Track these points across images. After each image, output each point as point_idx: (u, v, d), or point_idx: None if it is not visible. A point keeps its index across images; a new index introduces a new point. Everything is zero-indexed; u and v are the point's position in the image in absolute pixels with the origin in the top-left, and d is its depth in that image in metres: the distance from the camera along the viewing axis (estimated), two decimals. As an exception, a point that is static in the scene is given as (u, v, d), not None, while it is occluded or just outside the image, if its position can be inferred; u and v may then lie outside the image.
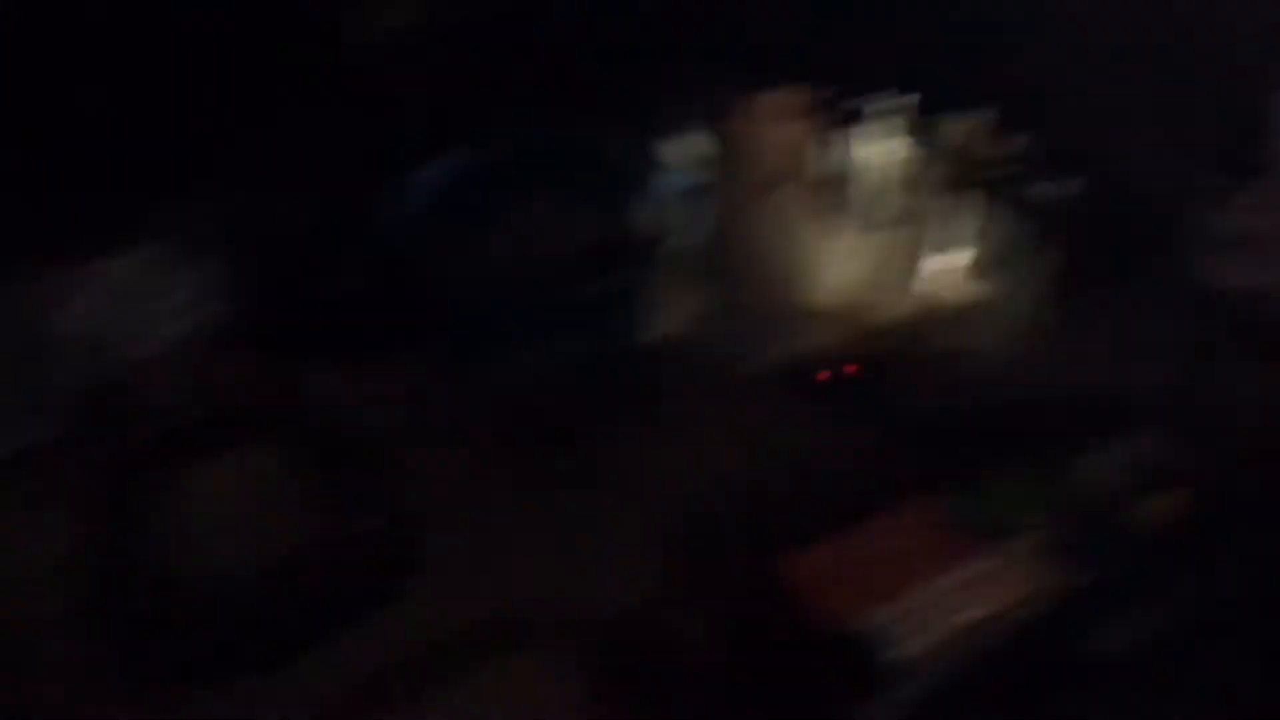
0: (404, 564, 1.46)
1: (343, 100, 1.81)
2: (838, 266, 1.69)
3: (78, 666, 1.36)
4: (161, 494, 1.51)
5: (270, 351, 1.72)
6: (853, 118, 1.41)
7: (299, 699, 1.33)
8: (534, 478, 1.56)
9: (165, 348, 1.65)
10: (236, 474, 1.56)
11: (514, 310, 1.57)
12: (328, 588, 1.44)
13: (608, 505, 1.52)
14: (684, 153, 1.70)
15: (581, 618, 1.39)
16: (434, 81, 1.76)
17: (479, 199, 1.68)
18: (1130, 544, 0.90)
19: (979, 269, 1.53)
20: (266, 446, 1.58)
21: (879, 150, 1.43)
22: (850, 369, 1.63)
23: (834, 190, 1.48)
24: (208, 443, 1.59)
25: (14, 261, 1.71)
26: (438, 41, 1.75)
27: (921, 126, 1.34)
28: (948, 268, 1.60)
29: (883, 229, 1.53)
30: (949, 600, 1.18)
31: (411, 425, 1.61)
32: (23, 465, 1.55)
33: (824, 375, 1.64)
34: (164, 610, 1.41)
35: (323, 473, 1.55)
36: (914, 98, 1.33)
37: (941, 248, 1.60)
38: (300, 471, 1.55)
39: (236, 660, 1.38)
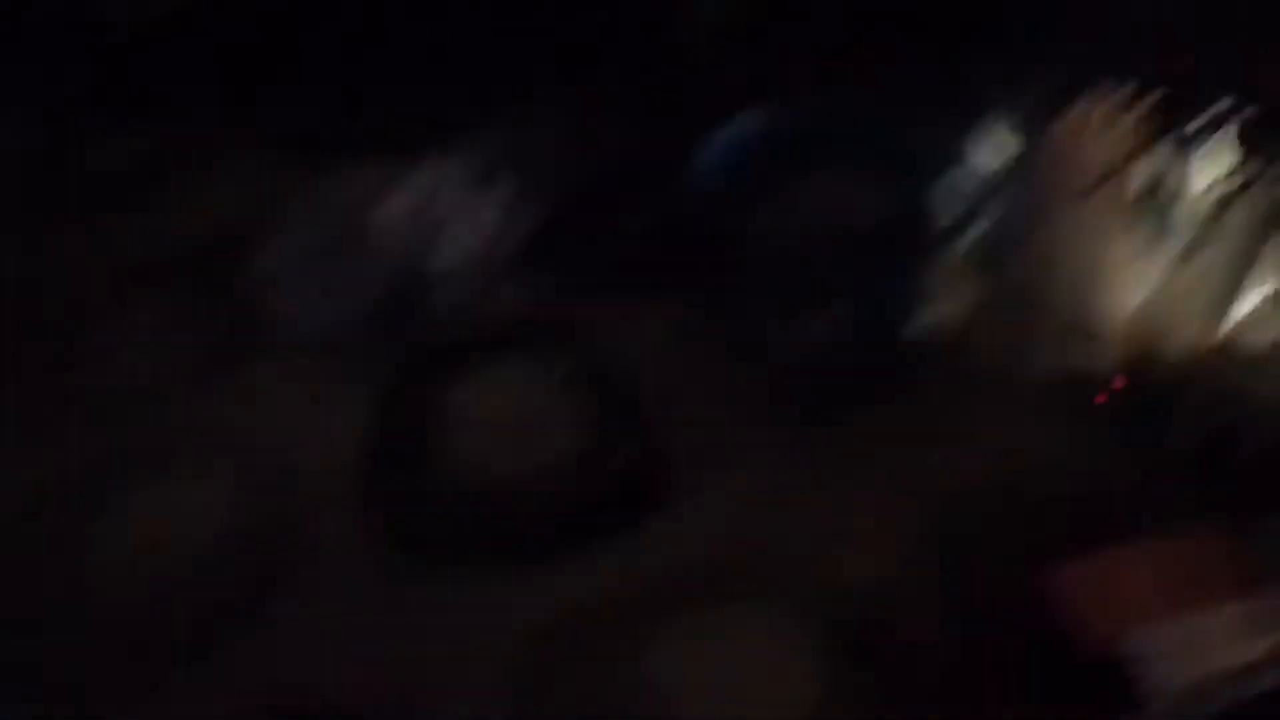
0: (654, 496, 1.51)
1: (665, 52, 1.87)
2: (1139, 286, 1.64)
3: (358, 537, 1.48)
4: (443, 395, 1.63)
5: (558, 277, 1.79)
6: (1187, 131, 1.35)
7: (541, 601, 1.40)
8: (796, 440, 1.58)
9: (464, 257, 1.74)
10: (511, 387, 1.66)
11: (798, 272, 1.59)
12: (579, 504, 1.51)
13: (863, 481, 1.53)
14: (993, 147, 1.68)
15: (821, 583, 1.41)
16: (751, 46, 1.79)
17: (780, 161, 1.70)
18: None
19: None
20: (542, 365, 1.67)
21: (1210, 167, 1.36)
22: (1119, 383, 1.57)
23: (1153, 204, 1.42)
24: (489, 354, 1.69)
25: (339, 155, 1.85)
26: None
27: (1262, 142, 1.26)
28: (1261, 304, 1.52)
29: (1198, 252, 1.46)
30: (1225, 634, 1.13)
31: (683, 367, 1.66)
32: (330, 346, 1.68)
33: (1102, 398, 1.60)
34: (435, 498, 1.52)
35: (589, 399, 1.63)
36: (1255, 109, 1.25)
37: (1247, 280, 1.53)
38: (568, 394, 1.63)
39: (491, 551, 1.47)
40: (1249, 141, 1.30)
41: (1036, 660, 1.26)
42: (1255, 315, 1.53)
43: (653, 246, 1.78)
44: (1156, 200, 1.43)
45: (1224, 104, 1.32)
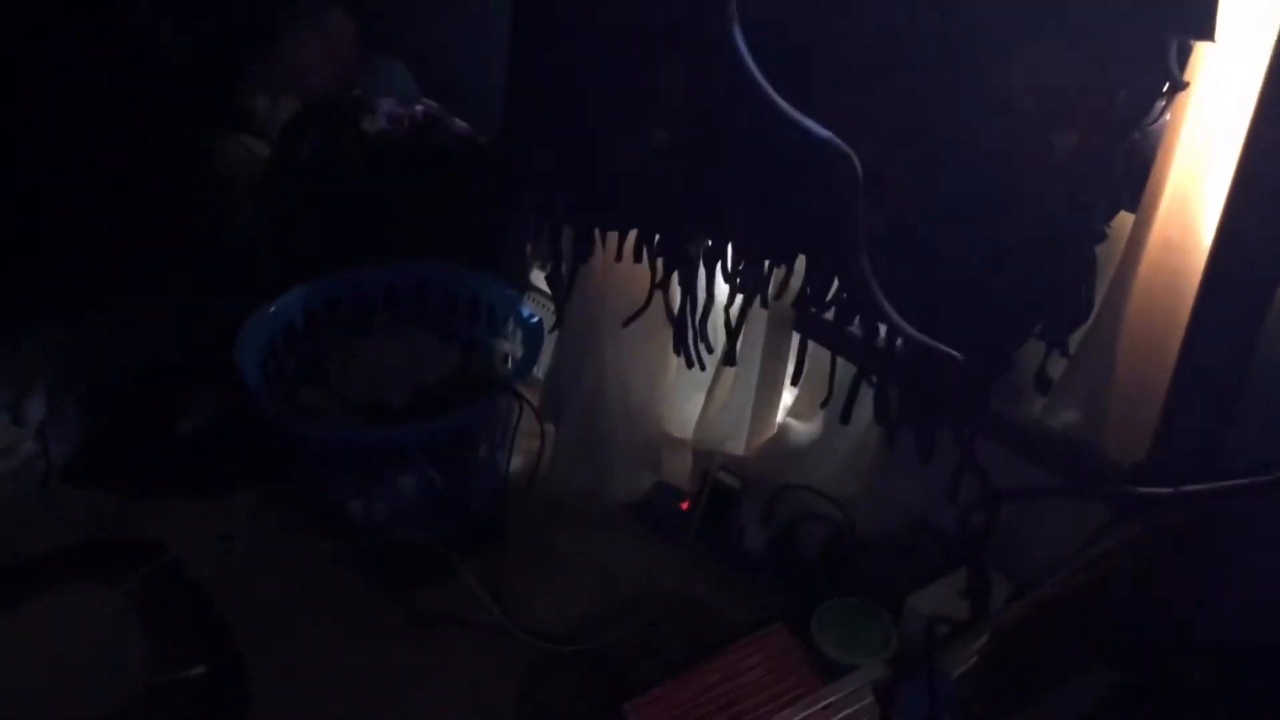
0: (232, 714, 1.40)
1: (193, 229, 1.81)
2: (687, 400, 1.72)
3: None
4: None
5: (115, 490, 1.67)
6: (693, 259, 1.44)
7: None
8: (383, 621, 1.52)
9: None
10: (66, 621, 1.49)
11: (362, 444, 1.55)
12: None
13: (456, 645, 1.49)
14: (533, 289, 1.73)
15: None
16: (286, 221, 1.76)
17: (327, 333, 1.67)
18: (934, 690, 0.91)
19: (812, 405, 1.57)
20: (98, 587, 1.52)
21: (721, 290, 1.46)
22: (684, 505, 1.64)
23: (679, 328, 1.51)
24: (41, 584, 1.53)
25: None
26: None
27: (750, 269, 1.38)
28: (791, 404, 1.64)
29: (728, 365, 1.56)
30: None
31: (258, 563, 1.57)
32: None
33: (685, 505, 1.65)
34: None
35: (155, 619, 1.50)
36: (746, 241, 1.36)
37: (780, 385, 1.64)
38: (132, 618, 1.49)
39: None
40: (743, 268, 1.40)
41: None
42: (791, 415, 1.64)
43: (211, 442, 1.69)
44: (689, 319, 1.50)
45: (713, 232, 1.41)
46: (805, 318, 1.43)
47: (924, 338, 1.14)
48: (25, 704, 1.39)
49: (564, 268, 1.57)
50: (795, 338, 1.52)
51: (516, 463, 1.71)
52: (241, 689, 1.42)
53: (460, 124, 1.79)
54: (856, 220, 1.11)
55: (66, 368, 1.78)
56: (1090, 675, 1.08)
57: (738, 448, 1.66)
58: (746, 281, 1.39)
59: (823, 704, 1.24)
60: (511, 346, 1.70)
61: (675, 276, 1.48)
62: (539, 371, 1.69)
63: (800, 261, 1.38)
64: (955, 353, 1.14)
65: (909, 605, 1.33)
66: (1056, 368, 1.27)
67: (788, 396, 1.63)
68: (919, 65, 1.12)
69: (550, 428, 1.69)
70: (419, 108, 1.78)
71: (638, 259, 1.47)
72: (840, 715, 1.22)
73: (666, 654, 1.41)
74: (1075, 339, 1.24)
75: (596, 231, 1.48)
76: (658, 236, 1.44)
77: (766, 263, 1.39)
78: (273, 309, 1.63)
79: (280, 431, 1.57)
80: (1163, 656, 1.10)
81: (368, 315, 1.69)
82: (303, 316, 1.66)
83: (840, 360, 1.44)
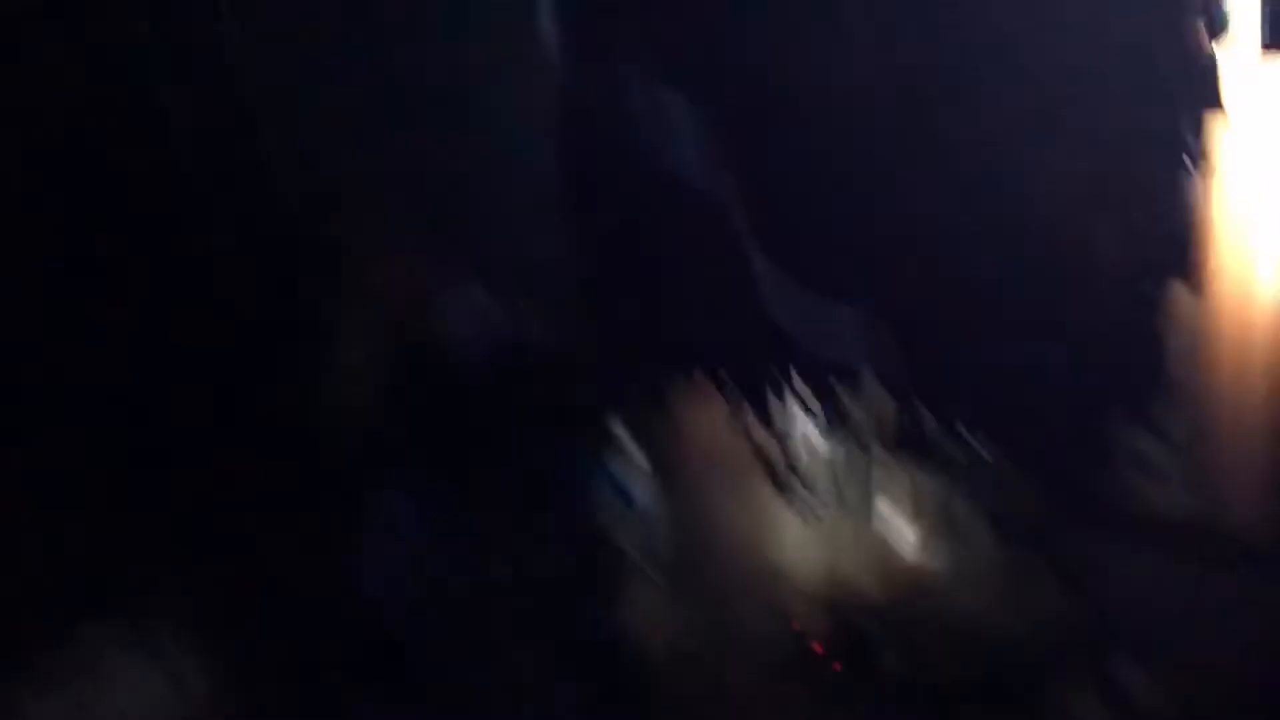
0: None
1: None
2: (802, 545, 1.71)
3: None
4: None
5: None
6: (769, 399, 1.45)
7: None
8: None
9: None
10: None
11: (508, 654, 1.57)
12: None
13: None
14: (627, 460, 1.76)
15: None
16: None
17: (448, 540, 1.71)
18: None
19: (931, 534, 1.55)
20: None
21: (813, 429, 1.47)
22: (817, 647, 1.62)
23: (782, 471, 1.51)
24: None
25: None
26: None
27: (843, 405, 1.39)
28: (906, 538, 1.61)
29: (837, 505, 1.55)
30: None
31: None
32: None
33: (818, 647, 1.63)
34: None
35: None
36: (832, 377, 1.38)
37: (893, 518, 1.62)
38: None
39: None
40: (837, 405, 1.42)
41: None
42: (907, 548, 1.61)
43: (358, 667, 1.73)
44: (791, 468, 1.51)
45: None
46: (905, 445, 1.43)
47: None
48: None
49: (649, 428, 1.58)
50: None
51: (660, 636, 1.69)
52: None
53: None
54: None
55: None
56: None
57: (867, 585, 1.64)
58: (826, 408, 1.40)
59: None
60: (632, 531, 1.69)
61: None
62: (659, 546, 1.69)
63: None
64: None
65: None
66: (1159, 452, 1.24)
67: (911, 530, 1.61)
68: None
69: (679, 595, 1.69)
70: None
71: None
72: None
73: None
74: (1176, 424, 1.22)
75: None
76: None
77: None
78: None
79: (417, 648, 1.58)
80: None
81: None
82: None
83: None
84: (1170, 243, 1.10)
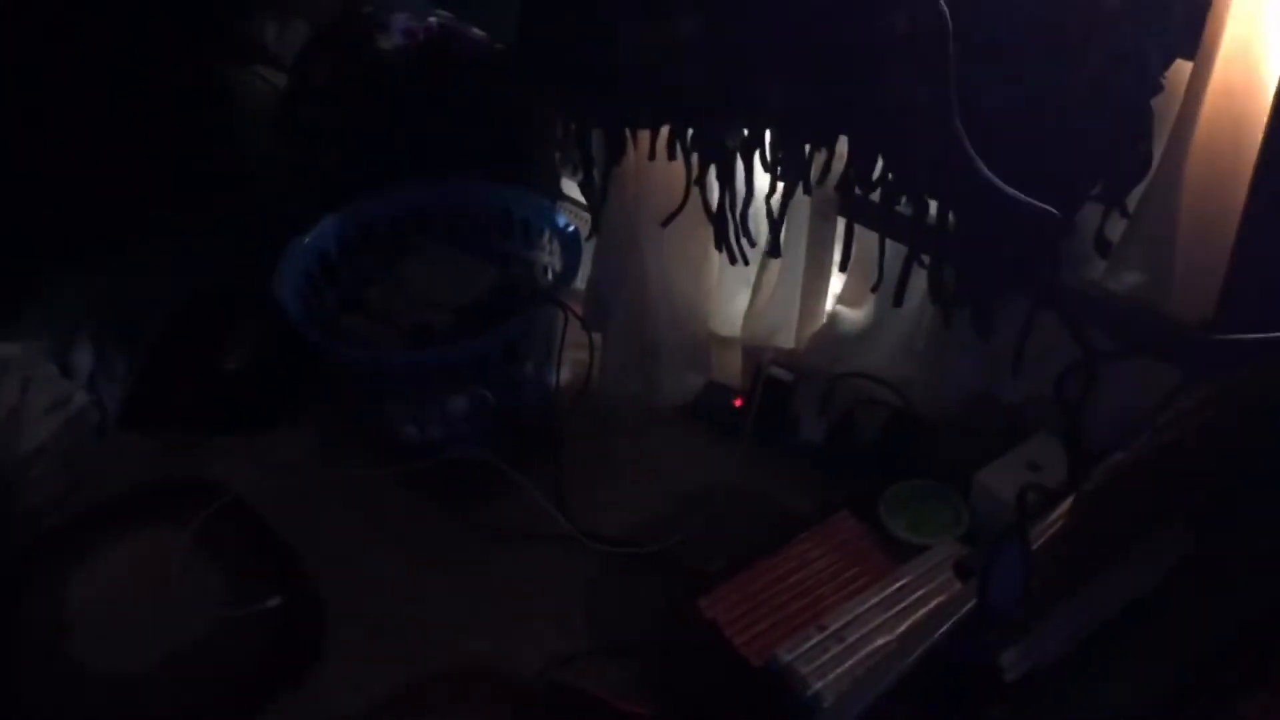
0: (309, 648, 1.42)
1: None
2: (733, 297, 1.70)
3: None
4: (64, 587, 1.47)
5: (161, 432, 1.68)
6: (729, 150, 1.40)
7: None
8: (447, 541, 1.53)
9: (44, 441, 1.59)
10: (137, 562, 1.52)
11: (413, 367, 1.54)
12: (226, 678, 1.39)
13: (525, 559, 1.50)
14: (567, 199, 1.69)
15: (499, 679, 1.36)
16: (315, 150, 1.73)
17: (363, 260, 1.65)
18: (1028, 560, 0.90)
19: (861, 291, 1.54)
20: (166, 529, 1.54)
21: (761, 181, 1.43)
22: (737, 402, 1.63)
23: (720, 223, 1.47)
24: (107, 530, 1.55)
25: None
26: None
27: (790, 155, 1.34)
28: (839, 292, 1.61)
29: (773, 257, 1.53)
30: (861, 626, 1.17)
31: (318, 495, 1.58)
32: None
33: (738, 402, 1.64)
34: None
35: (223, 551, 1.52)
36: (785, 127, 1.33)
37: (827, 273, 1.61)
38: (201, 556, 1.51)
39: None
40: (785, 155, 1.36)
41: (716, 687, 1.27)
42: (841, 302, 1.61)
43: (258, 377, 1.69)
44: (729, 213, 1.47)
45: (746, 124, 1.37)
46: (850, 201, 1.40)
47: (1011, 190, 1.10)
48: (108, 648, 1.42)
49: (596, 172, 1.53)
50: (840, 223, 1.47)
51: (565, 374, 1.69)
52: (317, 619, 1.44)
53: (476, 32, 1.75)
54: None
55: (107, 313, 1.77)
56: (1164, 541, 1.06)
57: (788, 341, 1.64)
58: (787, 168, 1.36)
59: (898, 584, 1.24)
60: (550, 259, 1.67)
61: (712, 171, 1.44)
62: (580, 281, 1.66)
63: (842, 143, 1.34)
64: (1049, 207, 1.10)
65: (979, 481, 1.32)
66: (1116, 229, 1.24)
67: (836, 284, 1.60)
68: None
69: (596, 337, 1.67)
70: (432, 20, 1.73)
71: (671, 156, 1.44)
72: (917, 594, 1.22)
73: (734, 549, 1.41)
74: (1134, 197, 1.20)
75: (626, 131, 1.44)
76: (690, 131, 1.40)
77: (807, 147, 1.35)
78: (307, 240, 1.61)
79: (327, 361, 1.57)
80: (1233, 523, 1.09)
81: (401, 239, 1.67)
82: (337, 245, 1.64)
83: (889, 242, 1.40)
84: (1183, 16, 1.05)
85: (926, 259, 1.33)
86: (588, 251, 1.64)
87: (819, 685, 1.12)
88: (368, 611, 1.45)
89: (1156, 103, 1.12)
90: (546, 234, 1.66)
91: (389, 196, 1.67)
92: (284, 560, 1.51)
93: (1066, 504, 0.95)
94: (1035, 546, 0.93)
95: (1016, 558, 0.88)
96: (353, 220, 1.65)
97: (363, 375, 1.58)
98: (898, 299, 1.39)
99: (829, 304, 1.62)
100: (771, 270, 1.61)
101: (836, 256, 1.51)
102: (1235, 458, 1.05)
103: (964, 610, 0.96)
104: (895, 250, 1.40)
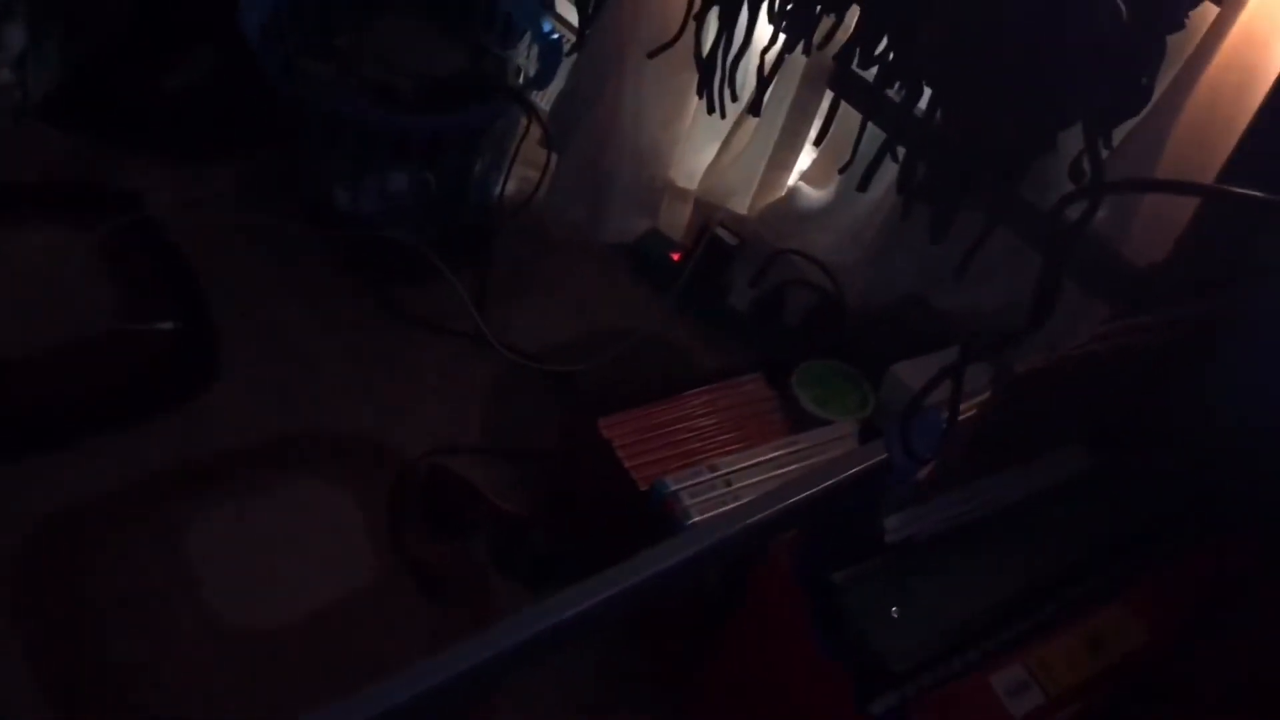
0: (196, 373, 1.38)
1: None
2: (699, 150, 1.68)
3: None
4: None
5: (94, 134, 1.59)
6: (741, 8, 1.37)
7: (83, 481, 1.24)
8: (360, 310, 1.50)
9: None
10: (34, 254, 1.45)
11: (365, 124, 1.48)
12: (108, 385, 1.35)
13: (429, 345, 1.48)
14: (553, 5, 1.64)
15: (376, 454, 1.35)
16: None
17: (336, 5, 1.57)
18: (953, 420, 0.91)
19: (827, 172, 1.53)
20: (68, 228, 1.47)
21: (761, 34, 1.40)
22: (676, 256, 1.62)
23: (708, 68, 1.44)
24: (12, 217, 1.48)
25: None
26: None
27: (800, 10, 1.31)
28: (807, 168, 1.60)
29: (752, 115, 1.51)
30: (750, 476, 1.18)
31: (236, 237, 1.52)
32: None
33: (677, 256, 1.63)
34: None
35: (127, 269, 1.46)
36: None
37: (799, 145, 1.59)
38: (102, 263, 1.45)
39: (24, 436, 1.28)
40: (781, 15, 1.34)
41: (601, 497, 1.27)
42: (805, 179, 1.60)
43: (201, 103, 1.61)
44: (720, 59, 1.44)
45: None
46: (844, 75, 1.38)
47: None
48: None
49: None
50: (828, 97, 1.46)
51: (513, 185, 1.66)
52: (210, 352, 1.40)
53: None
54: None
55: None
56: (1061, 456, 1.10)
57: (742, 206, 1.63)
58: (794, 23, 1.33)
59: (794, 448, 1.25)
60: (525, 62, 1.62)
61: (715, 10, 1.40)
62: (549, 99, 1.61)
63: (853, 12, 1.32)
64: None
65: (893, 372, 1.34)
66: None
67: (805, 160, 1.59)
68: None
69: (553, 156, 1.63)
70: None
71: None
72: (808, 461, 1.24)
73: (645, 387, 1.41)
74: (1120, 131, 1.21)
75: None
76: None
77: (818, 6, 1.32)
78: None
79: (279, 101, 1.50)
80: (1141, 442, 1.12)
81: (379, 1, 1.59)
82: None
83: (869, 127, 1.39)
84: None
85: (902, 150, 1.32)
86: (565, 68, 1.60)
87: (699, 517, 1.13)
88: (263, 358, 1.41)
89: (1171, 40, 1.12)
90: (528, 36, 1.60)
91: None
92: (185, 289, 1.46)
93: (984, 395, 0.97)
94: (940, 424, 0.94)
95: (933, 422, 0.90)
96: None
97: (312, 123, 1.51)
98: (864, 184, 1.38)
99: (793, 178, 1.61)
100: (744, 131, 1.58)
101: (815, 130, 1.50)
102: (1140, 385, 1.08)
103: (863, 466, 0.97)
104: (874, 136, 1.39)
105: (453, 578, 1.26)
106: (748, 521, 0.94)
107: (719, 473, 1.21)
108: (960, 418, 0.93)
